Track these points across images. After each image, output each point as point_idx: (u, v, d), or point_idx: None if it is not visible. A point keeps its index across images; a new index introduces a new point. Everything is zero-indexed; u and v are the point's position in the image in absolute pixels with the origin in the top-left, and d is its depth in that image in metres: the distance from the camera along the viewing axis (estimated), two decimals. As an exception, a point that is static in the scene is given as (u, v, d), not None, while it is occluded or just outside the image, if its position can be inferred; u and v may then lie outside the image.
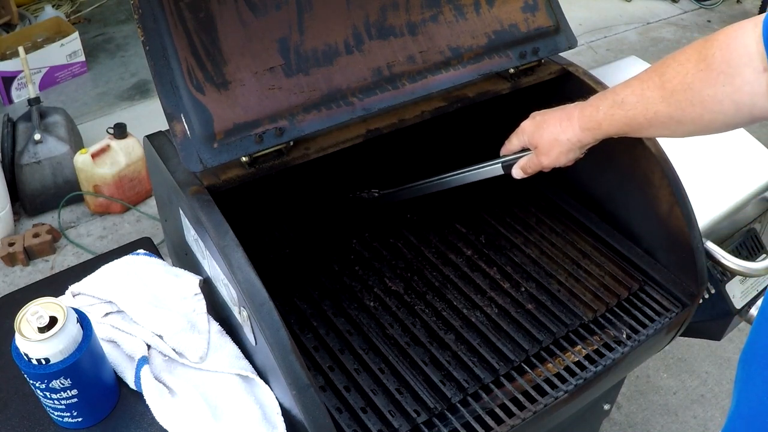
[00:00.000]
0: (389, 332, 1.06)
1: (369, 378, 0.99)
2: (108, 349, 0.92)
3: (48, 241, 2.33)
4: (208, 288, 0.99)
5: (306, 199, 1.32)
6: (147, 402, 0.87)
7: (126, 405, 0.90)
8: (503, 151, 1.09)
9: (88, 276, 1.01)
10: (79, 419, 0.86)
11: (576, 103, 0.98)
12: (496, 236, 1.25)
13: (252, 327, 0.85)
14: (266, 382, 0.89)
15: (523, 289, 1.14)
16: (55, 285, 1.02)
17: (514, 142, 1.06)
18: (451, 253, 1.21)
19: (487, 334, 1.06)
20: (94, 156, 2.39)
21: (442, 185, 1.20)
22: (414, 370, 1.00)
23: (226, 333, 0.96)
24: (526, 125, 1.04)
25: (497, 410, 0.96)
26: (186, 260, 1.07)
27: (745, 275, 1.20)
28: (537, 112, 1.04)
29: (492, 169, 1.10)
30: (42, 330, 0.77)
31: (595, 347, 1.07)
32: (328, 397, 0.96)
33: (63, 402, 0.83)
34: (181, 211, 0.97)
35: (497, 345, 1.04)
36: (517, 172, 1.07)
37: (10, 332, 0.80)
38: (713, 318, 1.28)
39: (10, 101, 2.97)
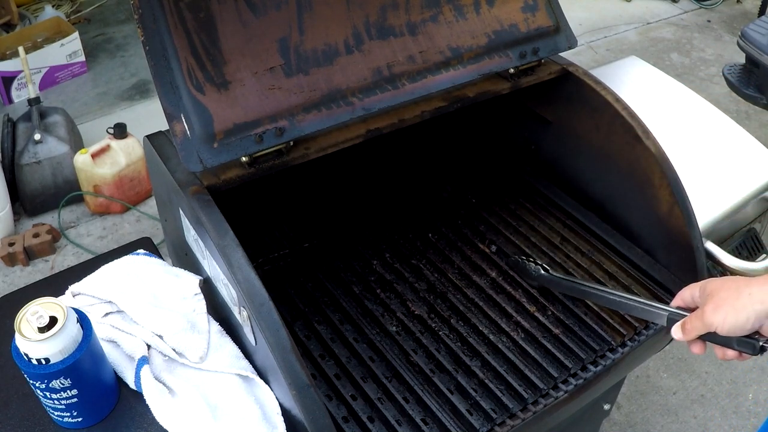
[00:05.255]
0: (413, 359, 1.03)
1: (393, 408, 0.96)
2: (108, 349, 0.92)
3: (48, 241, 2.33)
4: (208, 288, 0.99)
5: (306, 199, 1.32)
6: (147, 402, 0.87)
7: (126, 405, 0.90)
8: (675, 299, 0.92)
9: (88, 276, 1.01)
10: (79, 419, 0.86)
11: None
12: (521, 256, 1.20)
13: (252, 327, 0.85)
14: (266, 382, 0.89)
15: (549, 313, 1.12)
16: (55, 285, 1.02)
17: (686, 293, 0.89)
18: (475, 275, 1.18)
19: (514, 360, 1.03)
20: (94, 156, 2.39)
21: (600, 299, 1.06)
22: (440, 399, 0.98)
23: (226, 333, 0.96)
24: (711, 278, 0.86)
25: None
26: (186, 260, 1.07)
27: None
28: None
29: (656, 313, 0.94)
30: (42, 330, 0.77)
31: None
32: (351, 429, 0.94)
33: (63, 402, 0.83)
34: (181, 211, 0.97)
35: (525, 372, 1.01)
36: (675, 331, 0.87)
37: (10, 332, 0.80)
38: (713, 318, 1.27)
39: (10, 101, 2.97)
